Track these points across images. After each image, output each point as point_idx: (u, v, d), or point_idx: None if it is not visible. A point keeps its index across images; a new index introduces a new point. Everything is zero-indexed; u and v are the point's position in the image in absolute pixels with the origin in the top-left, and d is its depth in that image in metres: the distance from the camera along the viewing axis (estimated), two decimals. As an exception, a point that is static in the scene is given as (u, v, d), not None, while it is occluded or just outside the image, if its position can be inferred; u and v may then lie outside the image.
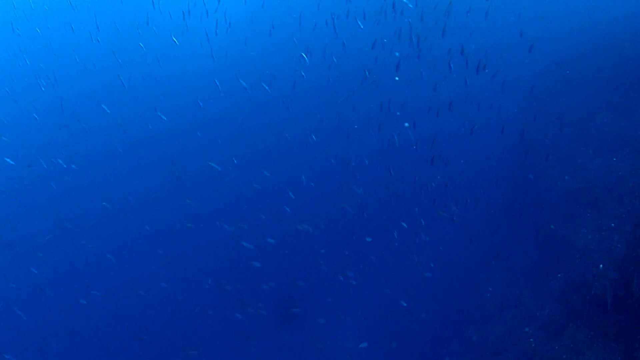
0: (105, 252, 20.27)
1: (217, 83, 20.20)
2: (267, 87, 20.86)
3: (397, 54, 15.96)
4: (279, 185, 21.28)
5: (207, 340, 18.47)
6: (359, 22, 16.87)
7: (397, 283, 19.14)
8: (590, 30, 26.06)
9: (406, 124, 16.53)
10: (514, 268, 18.22)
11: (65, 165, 23.02)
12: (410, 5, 21.26)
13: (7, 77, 28.95)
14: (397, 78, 16.91)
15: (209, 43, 24.43)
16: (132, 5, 29.33)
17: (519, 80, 24.77)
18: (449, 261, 19.48)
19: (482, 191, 20.62)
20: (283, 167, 21.91)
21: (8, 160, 22.39)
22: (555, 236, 16.56)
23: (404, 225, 18.39)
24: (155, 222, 21.41)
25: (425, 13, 19.81)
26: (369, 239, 16.87)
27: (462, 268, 19.36)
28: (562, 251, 15.51)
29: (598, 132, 19.13)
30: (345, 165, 20.48)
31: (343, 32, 22.87)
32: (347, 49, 18.19)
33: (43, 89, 25.25)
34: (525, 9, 29.73)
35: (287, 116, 22.10)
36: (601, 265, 12.35)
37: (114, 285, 19.56)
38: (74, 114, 25.05)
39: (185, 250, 20.44)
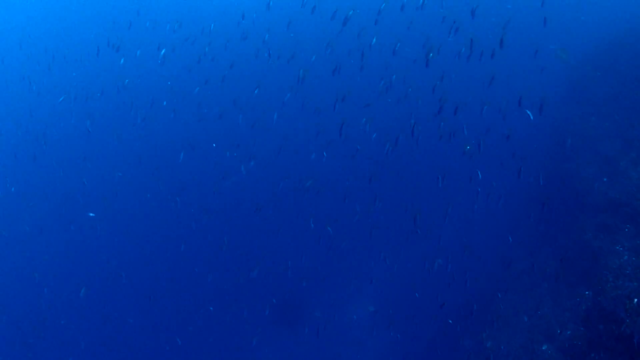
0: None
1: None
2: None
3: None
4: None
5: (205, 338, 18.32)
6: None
7: (413, 278, 18.49)
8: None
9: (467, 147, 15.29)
10: (538, 274, 17.27)
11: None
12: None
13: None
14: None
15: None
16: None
17: (556, 68, 22.93)
18: (470, 259, 18.65)
19: (509, 187, 19.41)
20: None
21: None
22: (586, 247, 15.47)
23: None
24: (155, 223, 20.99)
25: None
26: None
27: (483, 267, 18.53)
28: (592, 266, 14.45)
29: (646, 132, 17.54)
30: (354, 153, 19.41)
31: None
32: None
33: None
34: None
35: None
36: (636, 300, 11.32)
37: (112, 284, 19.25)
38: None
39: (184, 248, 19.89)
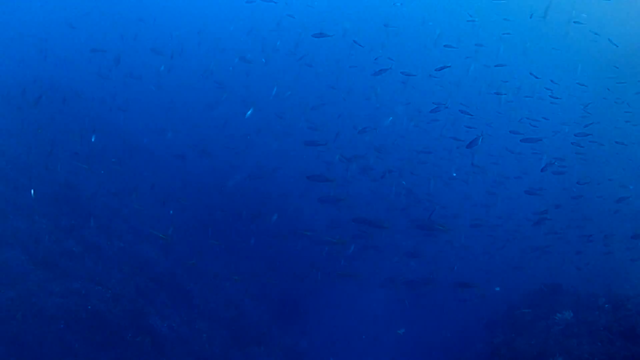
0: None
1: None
2: None
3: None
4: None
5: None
6: None
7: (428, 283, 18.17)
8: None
9: None
10: (559, 280, 16.80)
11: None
12: None
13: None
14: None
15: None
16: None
17: (588, 69, 22.06)
18: (487, 265, 18.28)
19: (531, 189, 18.84)
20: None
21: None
22: (609, 256, 14.94)
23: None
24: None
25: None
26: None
27: (499, 273, 18.12)
28: (614, 278, 13.96)
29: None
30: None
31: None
32: None
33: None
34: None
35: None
36: (657, 320, 10.83)
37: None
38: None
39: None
